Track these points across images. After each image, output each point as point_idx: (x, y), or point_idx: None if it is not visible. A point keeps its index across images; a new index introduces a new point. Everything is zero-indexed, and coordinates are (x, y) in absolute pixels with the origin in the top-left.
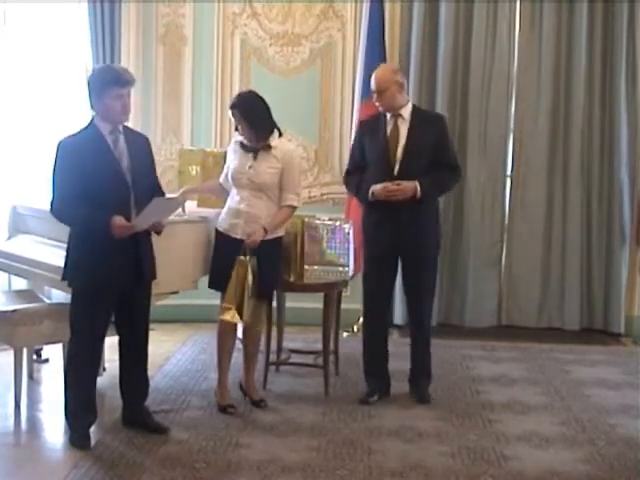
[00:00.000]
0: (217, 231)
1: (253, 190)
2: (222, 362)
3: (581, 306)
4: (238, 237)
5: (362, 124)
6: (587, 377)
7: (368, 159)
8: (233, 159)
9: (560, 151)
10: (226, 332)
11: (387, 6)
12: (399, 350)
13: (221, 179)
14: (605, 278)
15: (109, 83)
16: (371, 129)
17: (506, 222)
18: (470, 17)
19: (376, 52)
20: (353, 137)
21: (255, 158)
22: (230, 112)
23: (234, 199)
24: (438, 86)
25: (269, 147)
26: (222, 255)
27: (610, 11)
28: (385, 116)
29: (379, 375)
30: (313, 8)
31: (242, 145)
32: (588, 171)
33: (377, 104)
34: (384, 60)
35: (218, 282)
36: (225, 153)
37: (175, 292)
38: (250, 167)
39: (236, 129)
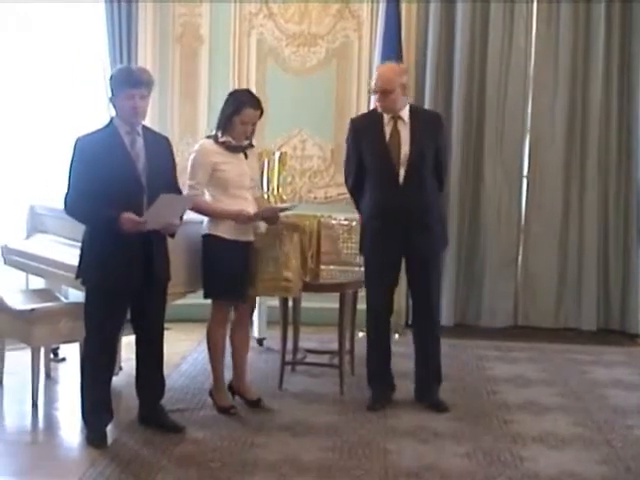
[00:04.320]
0: (223, 240)
1: (251, 189)
2: (219, 364)
3: (598, 306)
4: (250, 239)
5: (355, 123)
6: (604, 378)
7: (367, 166)
8: (227, 164)
9: (577, 151)
10: (220, 334)
11: (403, 6)
12: (405, 350)
13: (190, 191)
14: (622, 278)
15: (121, 83)
16: (366, 129)
17: (522, 222)
18: (486, 17)
19: (392, 52)
20: (347, 137)
21: (246, 157)
22: (255, 114)
23: (238, 203)
24: (454, 86)
25: (252, 145)
26: (238, 262)
27: (628, 10)
28: (382, 116)
29: (384, 379)
30: (329, 8)
31: (229, 147)
32: (605, 171)
33: (378, 104)
34: (401, 60)
35: (239, 290)
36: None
37: (192, 291)
38: (248, 166)
39: (221, 130)
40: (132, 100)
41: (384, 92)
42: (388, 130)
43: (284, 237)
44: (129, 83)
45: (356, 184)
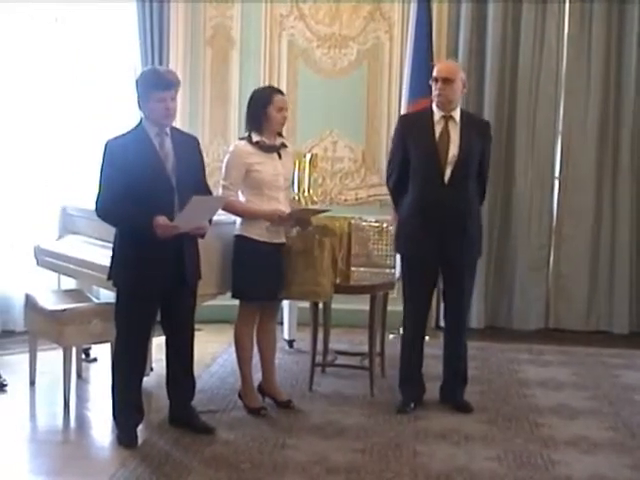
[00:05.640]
0: (254, 241)
1: (285, 190)
2: (247, 365)
3: (630, 309)
4: (282, 241)
5: (405, 119)
6: (636, 382)
7: (413, 163)
8: (261, 164)
9: (609, 153)
10: (247, 335)
11: (434, 7)
12: (434, 352)
13: (223, 191)
14: None
15: (152, 86)
16: (415, 126)
17: (554, 224)
18: (518, 18)
19: (423, 53)
20: (394, 133)
21: (280, 157)
22: (284, 99)
23: (271, 204)
24: (486, 88)
25: (285, 145)
26: (267, 264)
27: None
28: (432, 114)
29: (416, 381)
30: (360, 10)
31: (262, 147)
32: (638, 172)
33: (438, 92)
34: (431, 61)
35: (267, 291)
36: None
37: (224, 292)
38: (282, 166)
39: (254, 131)
40: (164, 102)
41: (446, 80)
42: (438, 129)
43: (316, 241)
44: (160, 86)
45: (398, 182)
